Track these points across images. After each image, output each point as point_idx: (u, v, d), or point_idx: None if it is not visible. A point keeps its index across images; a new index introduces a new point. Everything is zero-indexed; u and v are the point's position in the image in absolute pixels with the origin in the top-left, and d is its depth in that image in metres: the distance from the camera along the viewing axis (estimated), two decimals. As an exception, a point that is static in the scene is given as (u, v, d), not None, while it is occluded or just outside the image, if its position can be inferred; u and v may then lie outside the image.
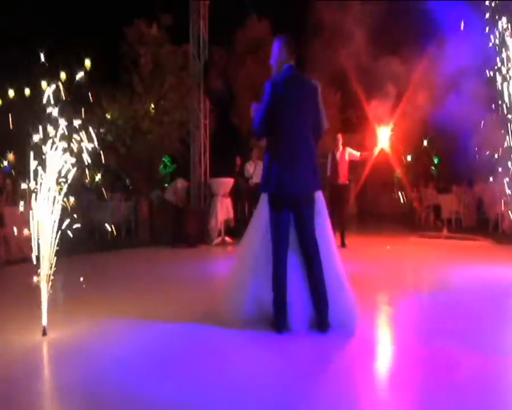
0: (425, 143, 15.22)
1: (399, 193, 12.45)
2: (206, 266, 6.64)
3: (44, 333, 3.21)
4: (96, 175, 4.39)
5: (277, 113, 3.22)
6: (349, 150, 7.80)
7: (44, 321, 3.23)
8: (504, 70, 5.93)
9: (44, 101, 3.19)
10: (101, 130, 8.49)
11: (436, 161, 16.02)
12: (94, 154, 3.36)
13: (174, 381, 2.53)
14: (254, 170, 9.17)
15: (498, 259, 6.80)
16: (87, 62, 3.79)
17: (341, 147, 7.82)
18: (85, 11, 11.44)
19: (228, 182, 8.99)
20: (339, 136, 7.96)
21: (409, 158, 14.99)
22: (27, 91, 5.09)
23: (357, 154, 7.79)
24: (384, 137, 7.47)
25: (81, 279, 4.12)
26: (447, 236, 9.53)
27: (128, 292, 4.69)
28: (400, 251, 7.93)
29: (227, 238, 8.76)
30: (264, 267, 3.26)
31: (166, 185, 9.90)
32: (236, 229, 9.06)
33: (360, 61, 9.99)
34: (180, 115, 9.91)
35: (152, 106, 9.76)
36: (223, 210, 8.71)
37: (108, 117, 9.26)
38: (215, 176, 9.43)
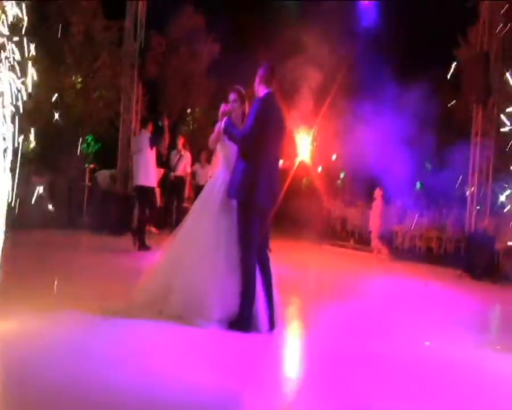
0: (333, 157, 16.73)
1: (317, 199, 13.38)
2: (140, 256, 6.35)
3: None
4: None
5: (266, 131, 3.49)
6: None
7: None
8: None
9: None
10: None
11: (342, 175, 17.67)
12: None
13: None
14: (178, 161, 8.97)
15: (394, 271, 8.15)
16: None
17: None
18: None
19: (157, 172, 8.80)
20: None
21: (319, 169, 16.30)
22: None
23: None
24: (304, 150, 8.05)
25: None
26: (353, 247, 10.78)
27: (70, 285, 4.25)
28: (316, 258, 8.81)
29: (152, 229, 8.60)
30: (225, 270, 3.48)
31: (86, 165, 9.30)
32: (161, 220, 8.89)
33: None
34: (110, 94, 9.41)
35: (80, 79, 9.08)
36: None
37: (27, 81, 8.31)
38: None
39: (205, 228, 3.63)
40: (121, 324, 3.40)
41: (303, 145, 8.27)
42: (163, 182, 9.11)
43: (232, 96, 3.80)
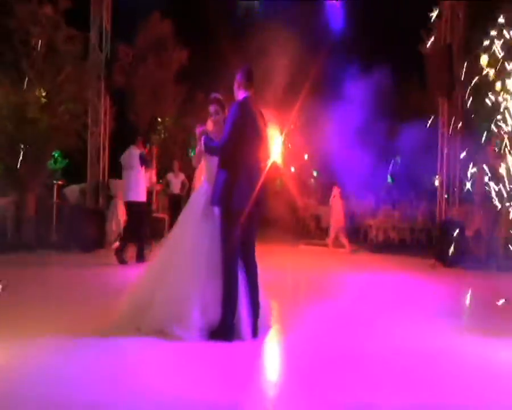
0: (305, 157, 16.92)
1: (291, 200, 13.50)
2: (114, 273, 6.27)
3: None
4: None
5: (243, 135, 3.45)
6: None
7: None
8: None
9: None
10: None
11: (314, 174, 17.87)
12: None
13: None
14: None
15: (370, 264, 8.18)
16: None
17: None
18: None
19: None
20: None
21: (292, 169, 16.42)
22: None
23: None
24: (275, 151, 8.19)
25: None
26: (328, 244, 10.87)
27: (44, 308, 4.16)
28: (293, 259, 8.76)
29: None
30: (206, 278, 3.42)
31: (54, 181, 9.09)
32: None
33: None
34: (76, 107, 9.20)
35: (43, 94, 8.83)
36: (124, 213, 8.39)
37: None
38: (114, 177, 9.02)
39: (187, 239, 3.59)
40: (102, 344, 3.30)
41: (275, 146, 8.36)
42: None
43: (212, 108, 3.75)
